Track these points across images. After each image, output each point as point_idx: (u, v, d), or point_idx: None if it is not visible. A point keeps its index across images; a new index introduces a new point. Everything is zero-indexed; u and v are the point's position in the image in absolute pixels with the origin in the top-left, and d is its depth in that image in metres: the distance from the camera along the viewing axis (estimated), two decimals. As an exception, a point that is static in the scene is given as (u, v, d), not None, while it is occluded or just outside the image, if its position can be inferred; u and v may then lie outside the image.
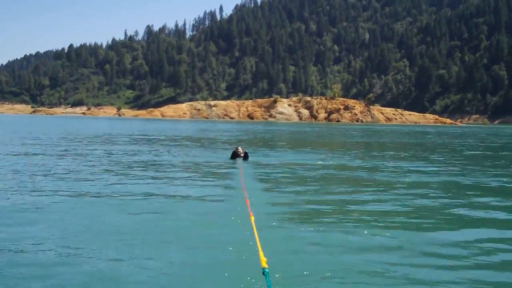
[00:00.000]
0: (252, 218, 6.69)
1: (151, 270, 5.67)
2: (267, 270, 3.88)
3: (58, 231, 7.21)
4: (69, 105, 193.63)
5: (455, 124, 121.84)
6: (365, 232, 7.51)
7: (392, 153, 24.78)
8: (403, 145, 32.60)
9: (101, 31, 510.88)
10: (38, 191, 10.34)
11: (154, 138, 32.85)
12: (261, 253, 4.39)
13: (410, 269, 5.88)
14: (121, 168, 15.01)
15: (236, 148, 18.51)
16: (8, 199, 9.50)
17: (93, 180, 12.12)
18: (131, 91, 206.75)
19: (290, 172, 15.05)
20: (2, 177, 12.42)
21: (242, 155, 17.72)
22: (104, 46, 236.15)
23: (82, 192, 10.40)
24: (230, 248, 6.38)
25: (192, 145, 27.81)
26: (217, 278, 5.37)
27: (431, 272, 5.81)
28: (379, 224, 8.08)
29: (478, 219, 8.84)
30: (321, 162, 18.09)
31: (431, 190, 11.80)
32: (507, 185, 13.38)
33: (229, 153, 18.84)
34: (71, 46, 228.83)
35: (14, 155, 18.51)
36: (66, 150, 21.11)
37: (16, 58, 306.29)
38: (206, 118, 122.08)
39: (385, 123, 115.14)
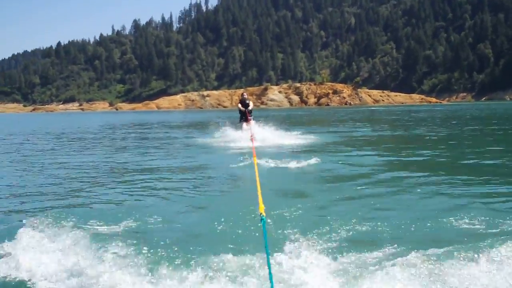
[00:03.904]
0: (255, 160, 6.74)
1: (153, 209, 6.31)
2: (264, 217, 3.86)
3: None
4: (61, 102, 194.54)
5: (440, 102, 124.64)
6: (362, 186, 7.67)
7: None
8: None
9: (88, 28, 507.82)
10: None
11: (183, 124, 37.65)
12: (260, 200, 4.36)
13: (405, 217, 5.87)
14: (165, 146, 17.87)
15: (242, 94, 17.95)
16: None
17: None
18: (122, 85, 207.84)
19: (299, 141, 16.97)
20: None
21: (248, 102, 17.09)
22: (92, 42, 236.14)
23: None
24: (231, 193, 6.74)
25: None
26: (216, 224, 5.52)
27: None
28: (378, 175, 8.46)
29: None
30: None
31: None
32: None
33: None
34: (59, 43, 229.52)
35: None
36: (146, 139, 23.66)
37: (4, 58, 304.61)
38: (200, 108, 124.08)
39: (373, 104, 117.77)
